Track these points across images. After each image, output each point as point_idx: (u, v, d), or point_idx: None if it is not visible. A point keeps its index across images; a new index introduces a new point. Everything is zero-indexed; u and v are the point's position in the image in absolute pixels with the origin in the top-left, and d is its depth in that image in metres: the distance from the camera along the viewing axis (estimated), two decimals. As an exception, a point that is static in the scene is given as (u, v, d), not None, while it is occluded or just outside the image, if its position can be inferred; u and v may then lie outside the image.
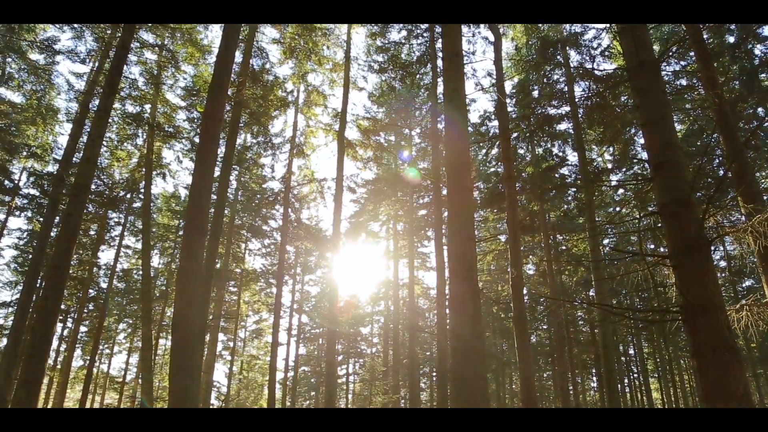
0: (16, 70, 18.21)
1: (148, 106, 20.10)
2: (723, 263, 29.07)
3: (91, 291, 27.11)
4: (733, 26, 16.33)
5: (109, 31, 16.85)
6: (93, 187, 20.87)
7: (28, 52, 17.67)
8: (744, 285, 29.64)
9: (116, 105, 17.27)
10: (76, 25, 15.97)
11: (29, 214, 24.82)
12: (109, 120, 14.44)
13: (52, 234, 18.06)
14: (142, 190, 21.92)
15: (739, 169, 8.20)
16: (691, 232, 4.89)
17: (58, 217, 17.97)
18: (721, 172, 16.95)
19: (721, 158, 16.86)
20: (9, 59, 17.55)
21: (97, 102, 16.12)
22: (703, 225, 4.96)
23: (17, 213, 24.61)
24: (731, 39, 16.65)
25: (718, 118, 8.28)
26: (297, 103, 23.17)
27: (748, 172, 8.24)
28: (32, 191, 24.01)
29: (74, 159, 17.95)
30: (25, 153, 21.41)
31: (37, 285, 17.36)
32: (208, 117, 9.32)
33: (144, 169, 21.03)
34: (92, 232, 26.62)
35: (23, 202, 24.14)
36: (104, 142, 16.09)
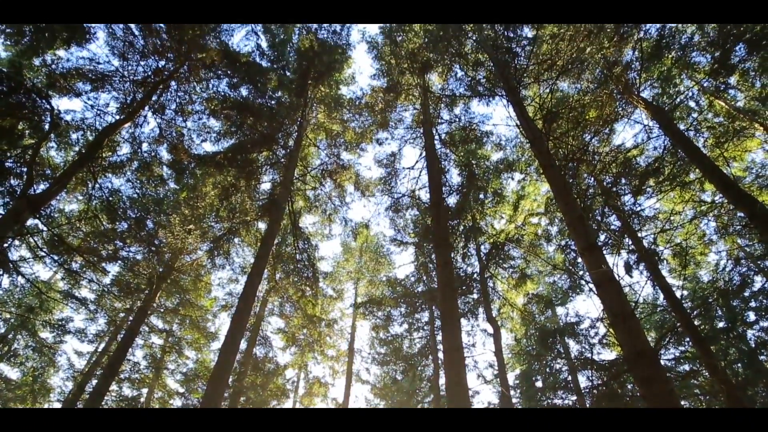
0: (23, 347, 18.42)
1: (145, 390, 19.70)
2: None
3: None
4: (720, 313, 17.02)
5: (122, 314, 17.61)
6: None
7: (40, 331, 18.17)
8: None
9: (113, 387, 16.96)
10: (91, 307, 16.75)
11: None
12: (103, 403, 14.03)
13: None
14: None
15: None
16: None
17: None
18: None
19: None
20: (19, 336, 17.93)
21: (94, 383, 15.90)
22: None
23: None
24: (721, 324, 17.17)
25: (729, 405, 8.04)
26: (296, 392, 22.64)
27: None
28: (-5, 484, 21.51)
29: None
30: (3, 436, 19.94)
31: None
32: (206, 406, 9.17)
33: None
34: None
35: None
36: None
